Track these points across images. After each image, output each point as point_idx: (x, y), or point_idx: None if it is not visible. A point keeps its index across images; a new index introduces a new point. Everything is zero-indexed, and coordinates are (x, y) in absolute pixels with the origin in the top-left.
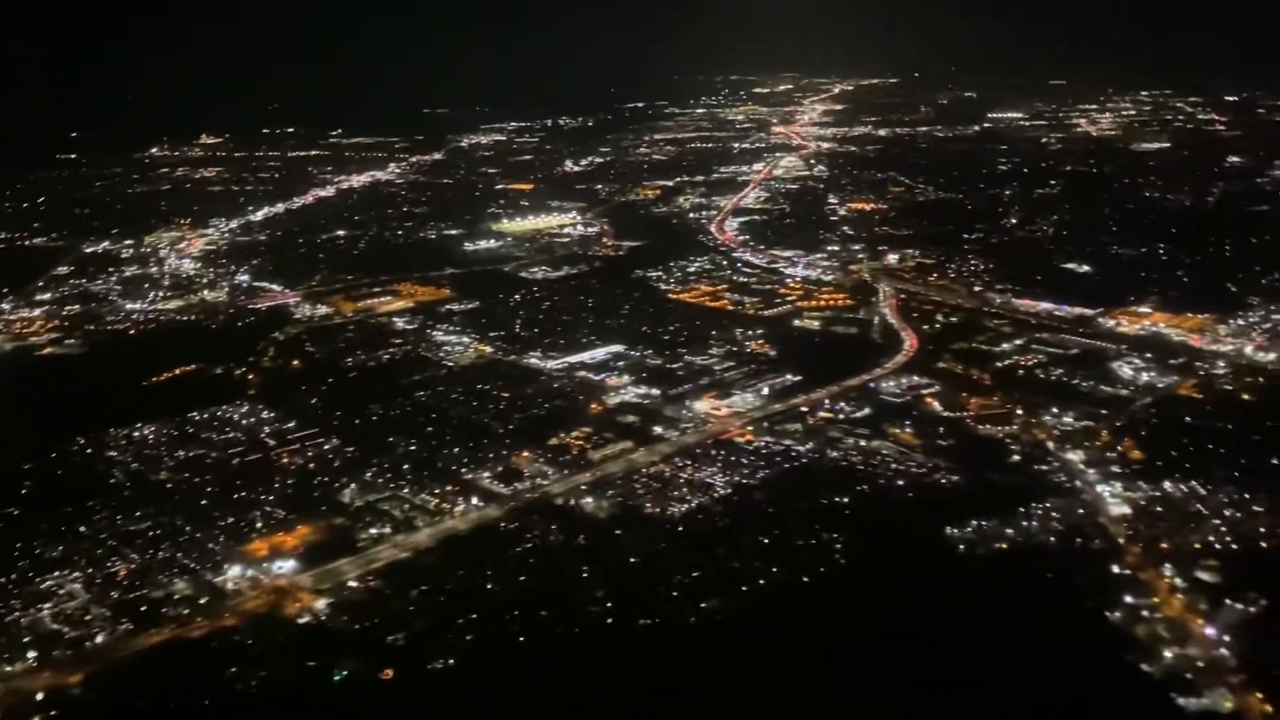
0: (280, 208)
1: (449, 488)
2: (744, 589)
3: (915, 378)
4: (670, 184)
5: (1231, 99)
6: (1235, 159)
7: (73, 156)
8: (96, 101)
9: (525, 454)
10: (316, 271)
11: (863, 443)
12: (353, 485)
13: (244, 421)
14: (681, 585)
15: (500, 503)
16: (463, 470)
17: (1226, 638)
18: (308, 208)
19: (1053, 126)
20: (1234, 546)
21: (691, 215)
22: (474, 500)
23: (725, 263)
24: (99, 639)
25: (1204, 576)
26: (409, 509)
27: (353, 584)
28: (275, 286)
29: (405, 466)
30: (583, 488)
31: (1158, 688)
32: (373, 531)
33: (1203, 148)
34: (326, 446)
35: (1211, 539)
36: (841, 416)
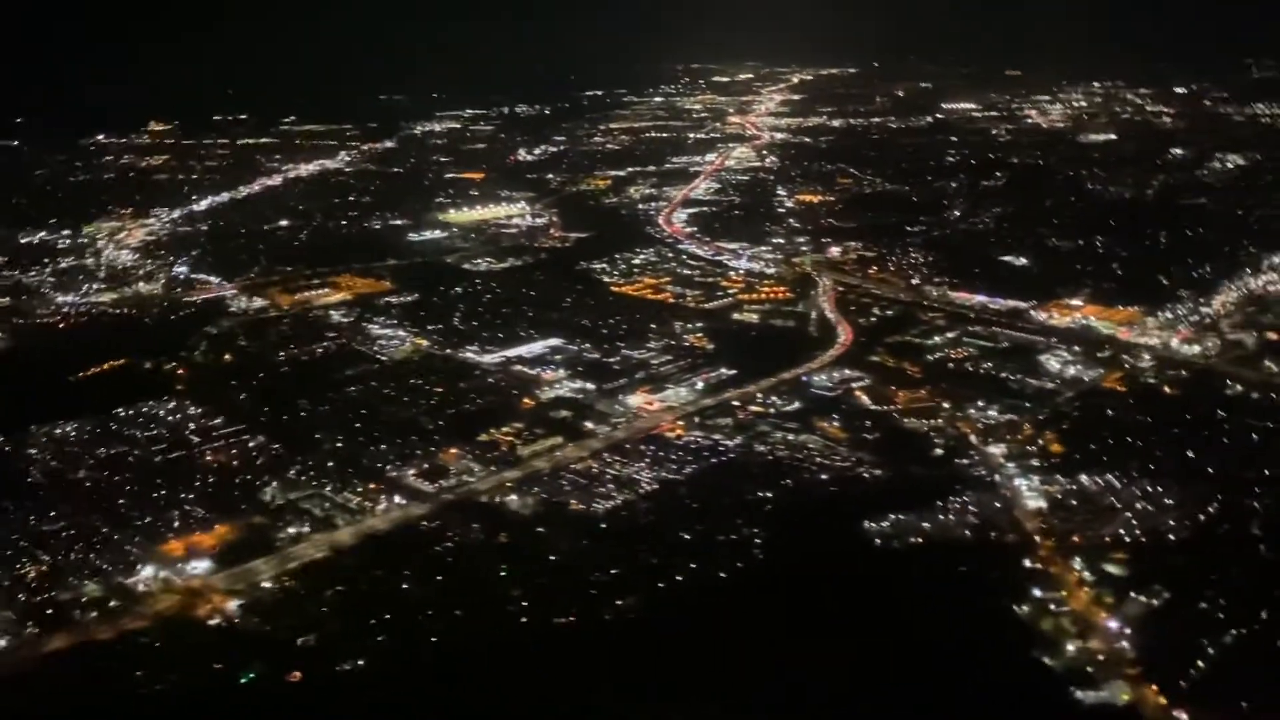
0: (225, 197)
1: (372, 486)
2: (661, 586)
3: (847, 371)
4: (622, 174)
5: (1180, 90)
6: (1178, 151)
7: (14, 144)
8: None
9: (453, 451)
10: (256, 263)
11: (790, 437)
12: (275, 483)
13: (169, 418)
14: (600, 583)
15: (424, 501)
16: (388, 468)
17: (1128, 631)
18: (253, 197)
19: (1003, 118)
20: (1143, 540)
21: (641, 206)
22: (397, 498)
23: (671, 255)
24: (1, 643)
25: (1112, 570)
26: (330, 507)
27: (267, 584)
28: (213, 279)
29: (330, 464)
30: (508, 485)
31: (1058, 681)
32: (292, 530)
33: (1147, 139)
34: (251, 444)
35: (1122, 532)
36: (772, 411)
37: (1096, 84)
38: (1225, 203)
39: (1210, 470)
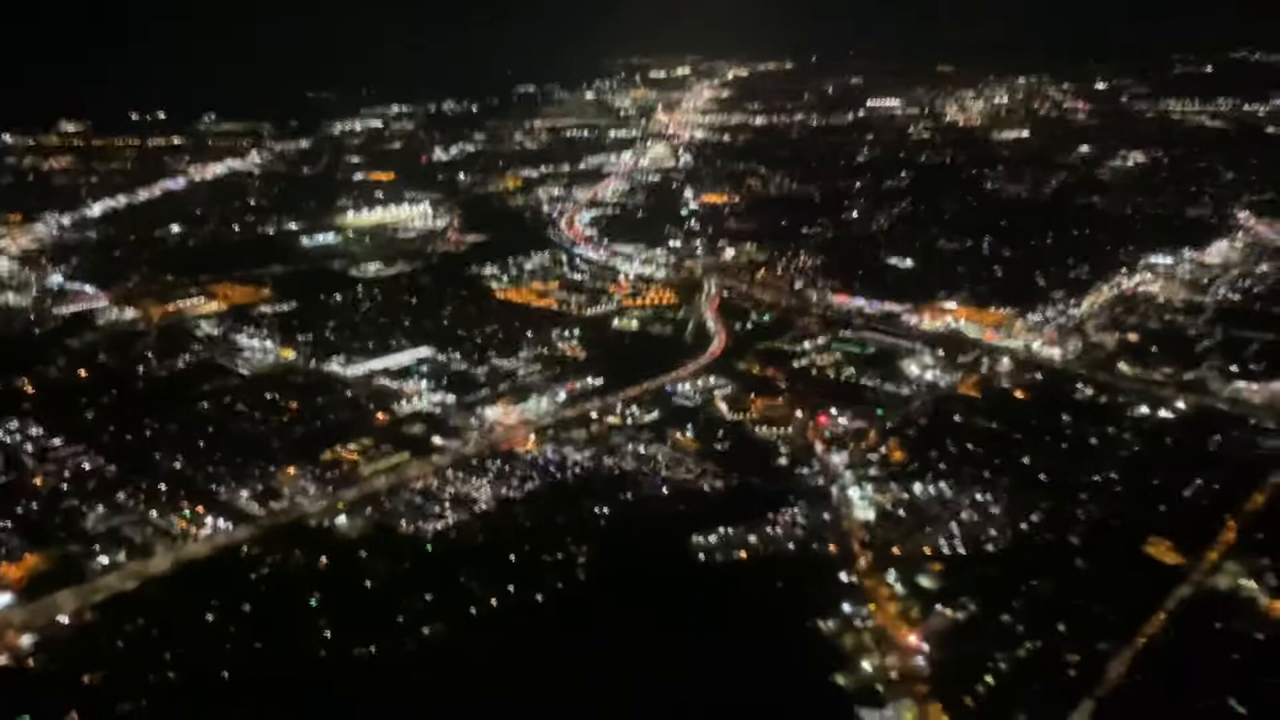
0: (122, 201)
1: (200, 509)
2: (474, 611)
3: (713, 379)
4: (535, 174)
5: (1101, 86)
6: (1084, 148)
7: None
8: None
9: (292, 470)
10: (136, 271)
11: (642, 449)
12: (100, 508)
13: (7, 440)
14: (411, 609)
15: (250, 524)
16: (221, 489)
17: (926, 646)
18: (151, 201)
19: (924, 115)
20: (961, 550)
21: (546, 208)
22: (223, 522)
23: (565, 259)
24: None
25: (924, 582)
26: (152, 534)
27: (65, 619)
28: (88, 289)
29: (162, 486)
30: (341, 506)
31: (846, 701)
32: (105, 560)
33: (1057, 137)
34: (87, 466)
35: (942, 542)
36: (629, 421)
37: (1022, 79)
38: (1116, 202)
39: (1042, 477)
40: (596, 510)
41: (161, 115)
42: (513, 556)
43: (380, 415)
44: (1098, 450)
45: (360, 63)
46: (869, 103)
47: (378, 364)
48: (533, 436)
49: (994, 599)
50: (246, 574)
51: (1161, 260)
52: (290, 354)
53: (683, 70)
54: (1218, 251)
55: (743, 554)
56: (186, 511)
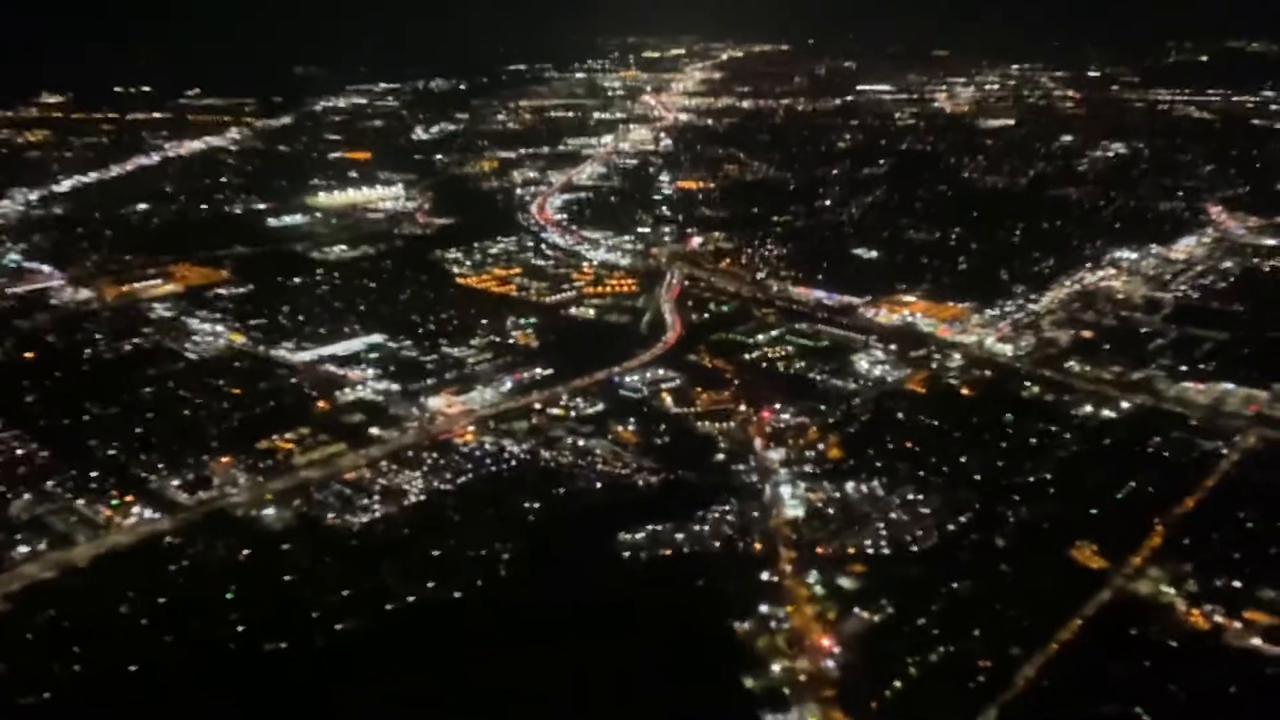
0: (92, 177)
1: (129, 498)
2: (389, 608)
3: (662, 371)
4: (512, 156)
5: (1094, 74)
6: (1067, 138)
7: None
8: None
9: (225, 459)
10: (97, 251)
11: (580, 442)
12: (28, 496)
13: None
14: (327, 605)
15: (176, 514)
16: (152, 478)
17: (837, 649)
18: (122, 178)
19: (912, 101)
20: (885, 551)
21: (519, 191)
22: (148, 512)
23: (531, 244)
24: None
25: (845, 583)
26: (76, 522)
27: None
28: (45, 268)
29: (94, 474)
30: (269, 496)
31: (752, 704)
32: (26, 548)
33: (1042, 125)
34: (20, 451)
35: (867, 543)
36: (572, 414)
37: (1015, 66)
38: (1091, 194)
39: (977, 477)
40: (526, 505)
41: (146, 89)
42: (436, 552)
43: (321, 403)
44: (1036, 450)
45: (352, 37)
46: (859, 87)
47: (326, 350)
48: (472, 428)
49: (912, 601)
50: (166, 565)
51: (1127, 255)
52: (240, 339)
53: (677, 51)
54: (1184, 247)
55: (668, 552)
56: (114, 500)
